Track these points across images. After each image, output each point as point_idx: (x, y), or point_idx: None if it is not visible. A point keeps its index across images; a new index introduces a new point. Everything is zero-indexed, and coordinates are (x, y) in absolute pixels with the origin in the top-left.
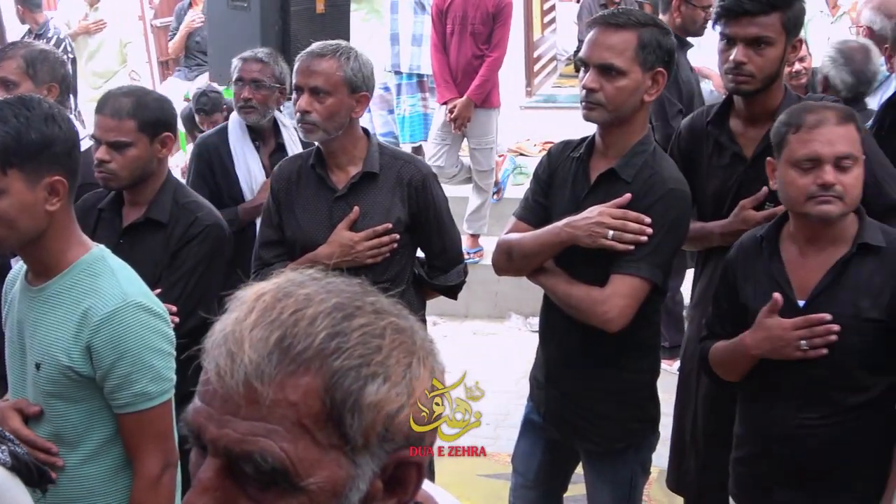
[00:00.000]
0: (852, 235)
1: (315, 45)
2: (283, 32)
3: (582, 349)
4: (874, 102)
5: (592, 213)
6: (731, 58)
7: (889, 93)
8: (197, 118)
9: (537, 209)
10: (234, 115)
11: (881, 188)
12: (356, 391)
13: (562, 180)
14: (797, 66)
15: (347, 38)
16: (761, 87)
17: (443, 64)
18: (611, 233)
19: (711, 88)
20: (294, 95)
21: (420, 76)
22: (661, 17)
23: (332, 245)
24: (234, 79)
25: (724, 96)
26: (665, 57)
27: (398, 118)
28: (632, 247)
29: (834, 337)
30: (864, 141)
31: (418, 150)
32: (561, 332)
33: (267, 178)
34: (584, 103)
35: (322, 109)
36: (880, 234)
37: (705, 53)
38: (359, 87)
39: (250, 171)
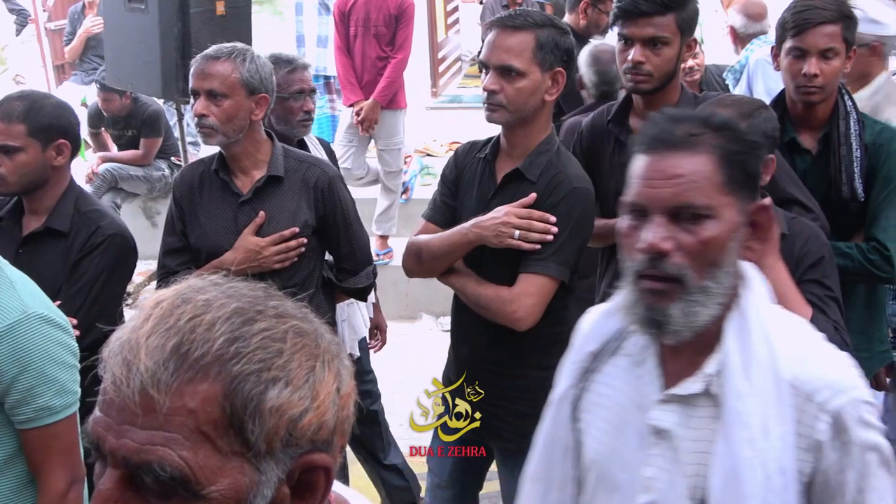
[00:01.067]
0: None
1: (210, 49)
2: (183, 35)
3: (493, 348)
4: (735, 88)
5: (499, 213)
6: (630, 58)
7: (743, 80)
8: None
9: (445, 210)
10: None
11: (776, 182)
12: (257, 396)
13: (469, 181)
14: (690, 63)
15: (249, 41)
16: (659, 86)
17: (347, 66)
18: (517, 232)
19: None
20: (192, 100)
21: (327, 78)
22: (566, 17)
23: (238, 251)
24: (294, 90)
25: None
26: (563, 56)
27: None
28: (538, 246)
29: None
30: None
31: None
32: (472, 332)
33: None
34: (486, 105)
35: (219, 112)
36: (784, 221)
37: None
38: (257, 89)
39: None
